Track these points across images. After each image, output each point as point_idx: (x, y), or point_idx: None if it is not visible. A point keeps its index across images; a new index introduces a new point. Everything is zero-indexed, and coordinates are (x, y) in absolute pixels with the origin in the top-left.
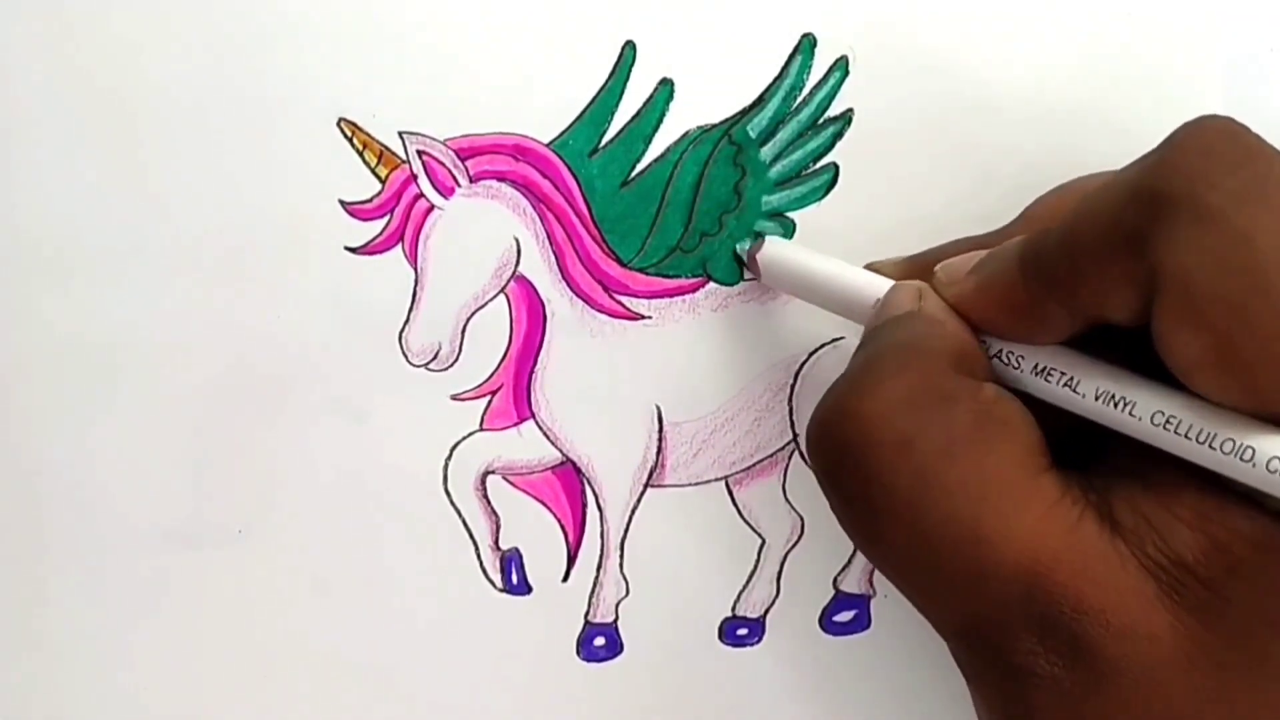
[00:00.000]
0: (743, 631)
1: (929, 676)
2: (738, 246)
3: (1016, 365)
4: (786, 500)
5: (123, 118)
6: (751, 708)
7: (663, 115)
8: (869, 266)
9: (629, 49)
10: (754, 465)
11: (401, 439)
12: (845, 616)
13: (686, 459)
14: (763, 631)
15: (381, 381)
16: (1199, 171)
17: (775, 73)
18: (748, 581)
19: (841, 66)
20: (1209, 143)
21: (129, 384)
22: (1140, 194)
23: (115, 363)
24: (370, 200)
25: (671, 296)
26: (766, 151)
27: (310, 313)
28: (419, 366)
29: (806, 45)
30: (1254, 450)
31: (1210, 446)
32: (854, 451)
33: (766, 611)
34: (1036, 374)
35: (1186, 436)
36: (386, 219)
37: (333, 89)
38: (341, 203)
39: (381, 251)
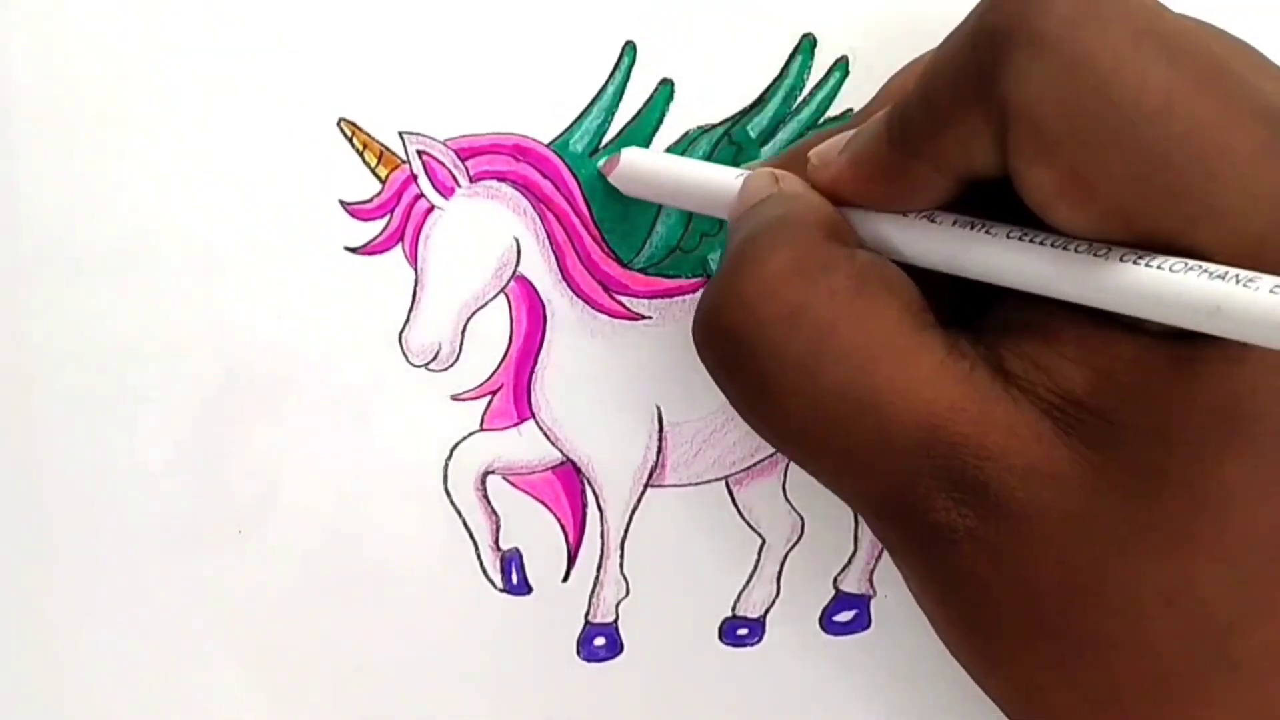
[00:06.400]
0: (743, 631)
1: (929, 676)
2: (599, 164)
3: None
4: (787, 500)
5: (122, 117)
6: (751, 708)
7: (663, 115)
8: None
9: (629, 49)
10: (754, 465)
11: (401, 439)
12: (845, 616)
13: (687, 459)
14: (763, 631)
15: (381, 382)
16: (1031, 1)
17: (775, 73)
18: (748, 581)
19: (841, 67)
20: None
21: (129, 384)
22: (979, 34)
23: (115, 362)
24: (370, 200)
25: (672, 296)
26: (767, 152)
27: (310, 313)
28: (419, 366)
29: (807, 45)
30: (1133, 263)
31: (1083, 278)
32: (744, 332)
33: (767, 611)
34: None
35: (1064, 249)
36: (386, 219)
37: (333, 89)
38: (341, 203)
39: (381, 251)
